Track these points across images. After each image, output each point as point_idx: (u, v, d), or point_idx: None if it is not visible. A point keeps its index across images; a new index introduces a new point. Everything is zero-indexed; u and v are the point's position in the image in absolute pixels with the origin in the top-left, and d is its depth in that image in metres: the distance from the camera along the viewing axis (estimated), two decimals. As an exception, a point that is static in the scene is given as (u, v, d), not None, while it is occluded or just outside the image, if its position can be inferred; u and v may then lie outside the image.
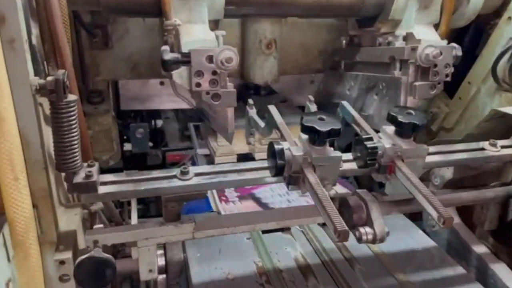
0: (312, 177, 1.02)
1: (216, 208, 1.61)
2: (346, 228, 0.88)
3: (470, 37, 1.89)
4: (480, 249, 1.36)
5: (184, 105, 2.02)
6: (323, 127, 1.04)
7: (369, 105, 1.55)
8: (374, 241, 1.00)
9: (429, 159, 1.26)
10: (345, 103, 1.26)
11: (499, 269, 1.27)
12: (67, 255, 0.99)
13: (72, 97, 0.94)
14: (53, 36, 0.98)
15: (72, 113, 0.95)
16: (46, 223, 0.99)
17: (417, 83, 1.32)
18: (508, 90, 1.53)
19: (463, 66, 1.73)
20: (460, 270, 1.31)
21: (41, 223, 0.98)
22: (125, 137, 2.20)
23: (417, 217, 1.65)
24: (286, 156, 1.04)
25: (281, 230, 1.49)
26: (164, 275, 1.27)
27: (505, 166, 1.43)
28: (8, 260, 0.97)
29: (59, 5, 1.00)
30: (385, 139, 1.11)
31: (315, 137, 1.05)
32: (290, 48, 1.90)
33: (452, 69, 1.34)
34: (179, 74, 1.16)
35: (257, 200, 1.67)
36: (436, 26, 1.47)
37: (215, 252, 1.36)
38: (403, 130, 1.10)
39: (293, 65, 1.96)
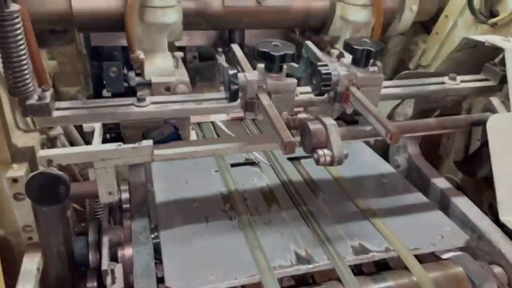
0: (266, 100, 1.02)
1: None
2: (293, 139, 0.88)
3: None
4: (440, 181, 1.37)
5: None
6: (277, 52, 1.03)
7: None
8: (332, 163, 1.00)
9: (389, 91, 1.27)
10: (309, 42, 1.23)
11: (459, 201, 1.29)
12: (20, 173, 0.98)
13: (15, 6, 0.89)
14: None
15: (17, 26, 0.91)
16: (-1, 143, 0.97)
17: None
18: (484, 22, 1.50)
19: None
20: (422, 198, 1.32)
21: (-7, 142, 0.97)
22: (104, 82, 2.15)
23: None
24: (240, 82, 1.04)
25: (250, 164, 1.50)
26: (128, 205, 1.27)
27: (474, 101, 1.42)
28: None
29: None
30: (340, 68, 1.10)
31: (270, 63, 1.04)
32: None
33: None
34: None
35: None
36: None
37: (182, 182, 1.36)
38: (358, 58, 1.10)
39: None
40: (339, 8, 1.67)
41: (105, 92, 2.21)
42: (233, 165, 1.47)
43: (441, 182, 1.38)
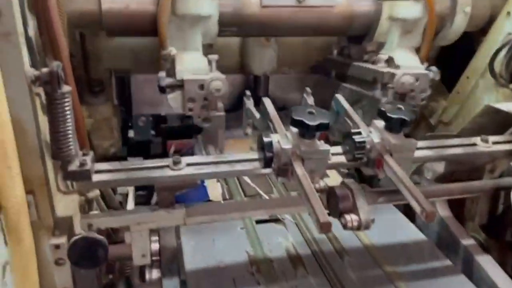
0: (299, 169, 1.05)
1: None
2: (329, 219, 0.91)
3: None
4: (468, 242, 1.38)
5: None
6: (312, 121, 1.06)
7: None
8: (359, 227, 1.02)
9: (420, 153, 1.29)
10: (339, 96, 1.28)
11: (484, 261, 1.29)
12: (62, 239, 1.03)
13: (66, 88, 0.97)
14: (49, 28, 1.01)
15: (66, 104, 0.98)
16: (43, 209, 1.03)
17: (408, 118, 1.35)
18: (505, 86, 1.53)
19: (463, 60, 1.74)
20: (447, 262, 1.33)
21: (38, 209, 1.02)
22: (129, 124, 2.24)
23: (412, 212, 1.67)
24: (275, 149, 1.07)
25: (275, 220, 1.53)
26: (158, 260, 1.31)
27: (498, 161, 1.44)
28: (6, 244, 1.03)
29: (55, -1, 1.03)
30: (374, 134, 1.13)
31: (304, 130, 1.08)
32: (289, 41, 1.90)
33: (428, 93, 1.46)
34: (174, 99, 1.29)
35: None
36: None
37: (209, 240, 1.40)
38: (392, 125, 1.13)
39: (291, 59, 1.96)
40: (386, 6, 1.51)
41: (131, 133, 2.31)
42: (258, 222, 1.50)
43: (469, 244, 1.38)
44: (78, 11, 1.35)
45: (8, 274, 0.98)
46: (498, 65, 1.53)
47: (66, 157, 1.04)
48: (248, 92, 1.59)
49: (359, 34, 1.60)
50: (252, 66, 1.85)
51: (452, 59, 1.78)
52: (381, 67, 1.49)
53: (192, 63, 1.34)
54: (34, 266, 0.89)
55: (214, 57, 1.33)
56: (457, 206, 1.53)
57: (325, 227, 0.90)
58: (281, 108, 2.11)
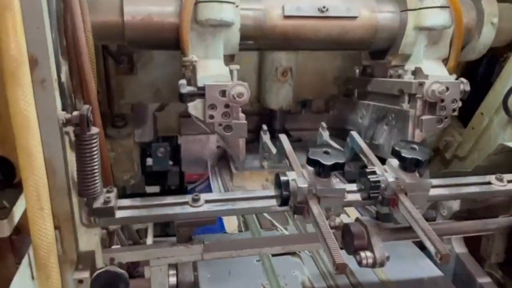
0: (315, 208, 1.07)
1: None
2: (344, 261, 0.93)
3: (485, 66, 1.91)
4: (484, 280, 1.37)
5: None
6: (327, 161, 1.09)
7: (380, 135, 1.59)
8: (374, 265, 1.04)
9: (435, 192, 1.30)
10: (354, 133, 1.31)
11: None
12: (85, 274, 1.07)
13: (94, 130, 1.03)
14: (80, 73, 1.08)
15: (94, 144, 1.04)
16: (68, 244, 1.07)
17: (424, 117, 1.36)
18: (521, 125, 1.55)
19: (478, 95, 1.76)
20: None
21: (63, 244, 1.07)
22: (148, 152, 2.31)
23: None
24: (291, 188, 1.10)
25: (291, 253, 1.54)
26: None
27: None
28: (32, 278, 1.07)
29: (86, 42, 1.10)
30: (389, 173, 1.15)
31: (320, 169, 1.11)
32: (305, 74, 1.96)
33: (459, 104, 1.38)
34: (194, 106, 1.24)
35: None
36: (446, 60, 1.51)
37: (225, 273, 1.42)
38: (406, 165, 1.15)
39: (308, 91, 2.02)
40: (411, 16, 1.45)
41: (149, 161, 2.37)
42: (274, 255, 1.52)
43: (485, 282, 1.38)
44: (101, 22, 1.31)
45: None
46: (512, 102, 1.55)
47: (91, 194, 1.09)
48: (264, 127, 1.60)
49: (382, 48, 1.57)
50: (268, 100, 1.91)
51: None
52: (408, 78, 1.46)
53: (213, 70, 1.30)
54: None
55: (236, 66, 1.28)
56: (473, 243, 1.53)
57: (341, 268, 0.92)
58: (297, 140, 2.15)
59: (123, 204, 1.19)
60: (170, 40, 1.35)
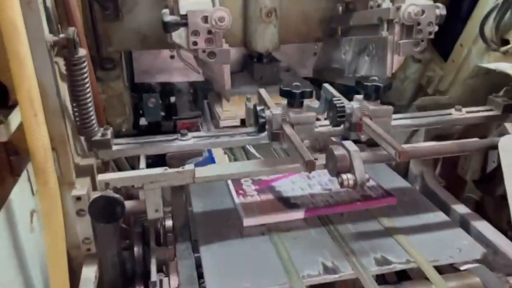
0: (288, 129, 1.16)
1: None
2: (313, 159, 1.01)
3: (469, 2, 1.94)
4: (457, 205, 1.45)
5: (192, 78, 2.18)
6: (297, 90, 1.18)
7: (361, 67, 1.65)
8: (354, 186, 1.11)
9: (400, 122, 1.43)
10: (326, 85, 1.38)
11: (476, 221, 1.37)
12: (83, 192, 1.14)
13: (82, 51, 1.07)
14: (65, 2, 1.11)
15: (83, 67, 1.09)
16: (65, 166, 1.14)
17: (401, 41, 1.41)
18: (496, 50, 1.60)
19: (459, 30, 1.81)
20: (441, 215, 1.41)
21: (60, 166, 1.13)
22: (140, 111, 2.35)
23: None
24: (267, 116, 1.18)
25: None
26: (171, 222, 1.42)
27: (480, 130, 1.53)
28: (32, 193, 1.14)
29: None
30: (355, 102, 1.25)
31: (291, 99, 1.19)
32: (290, 16, 1.98)
33: (436, 28, 1.42)
34: (179, 35, 1.28)
35: (277, 193, 1.51)
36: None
37: (217, 202, 1.49)
38: (368, 93, 1.23)
39: (293, 34, 2.04)
40: None
41: (142, 121, 2.42)
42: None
43: (457, 205, 1.46)
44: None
45: (35, 220, 1.09)
46: (488, 30, 1.60)
47: (89, 132, 1.15)
48: (248, 96, 1.58)
49: None
50: (254, 43, 1.94)
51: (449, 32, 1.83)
52: (387, 5, 1.49)
53: None
54: (59, 209, 0.99)
55: None
56: (450, 167, 1.61)
57: (310, 165, 1.01)
58: (287, 70, 2.22)
59: (118, 141, 1.26)
60: None
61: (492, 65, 1.42)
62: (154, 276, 1.18)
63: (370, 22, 1.57)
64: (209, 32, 1.26)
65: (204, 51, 1.28)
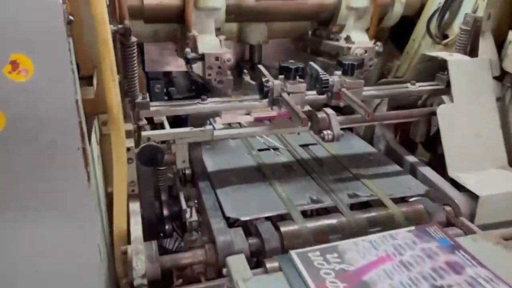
0: (286, 95, 1.56)
1: None
2: (305, 116, 1.42)
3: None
4: (409, 157, 1.90)
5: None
6: (292, 66, 1.59)
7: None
8: (333, 139, 1.53)
9: (369, 93, 1.85)
10: (312, 63, 1.78)
11: (423, 165, 1.82)
12: (132, 144, 1.52)
13: (133, 38, 1.45)
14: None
15: (134, 50, 1.47)
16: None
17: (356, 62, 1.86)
18: (439, 43, 2.06)
19: (412, 29, 2.27)
20: (397, 167, 1.86)
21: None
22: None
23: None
24: (270, 85, 1.58)
25: (273, 149, 2.04)
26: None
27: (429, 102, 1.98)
28: (97, 142, 1.50)
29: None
30: (335, 77, 1.65)
31: (288, 73, 1.59)
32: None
33: (375, 61, 1.99)
34: (197, 67, 1.75)
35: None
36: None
37: (225, 160, 1.89)
38: (345, 69, 1.65)
39: (279, 31, 2.45)
40: (344, 0, 2.05)
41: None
42: (260, 150, 2.01)
43: (410, 158, 1.91)
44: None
45: (97, 164, 1.45)
46: (433, 27, 2.06)
47: (134, 95, 1.53)
48: (245, 71, 2.11)
49: (326, 19, 2.17)
50: (247, 37, 2.35)
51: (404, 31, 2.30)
52: (342, 43, 2.01)
53: (209, 42, 1.83)
54: (125, 148, 1.35)
55: (222, 37, 1.84)
56: (406, 135, 2.07)
57: (304, 121, 1.42)
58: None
59: (153, 104, 1.64)
60: (174, 18, 1.90)
61: (434, 53, 1.88)
62: (184, 205, 1.57)
63: (331, 51, 2.08)
64: (219, 67, 1.72)
65: (215, 80, 1.75)
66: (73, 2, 1.22)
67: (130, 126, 1.64)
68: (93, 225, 1.22)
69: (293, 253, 1.30)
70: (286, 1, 2.04)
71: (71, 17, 1.05)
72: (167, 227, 1.68)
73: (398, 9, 2.15)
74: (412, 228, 1.41)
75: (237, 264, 1.28)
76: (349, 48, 1.96)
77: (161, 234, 1.74)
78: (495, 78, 1.81)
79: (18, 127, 1.05)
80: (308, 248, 1.32)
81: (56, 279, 1.23)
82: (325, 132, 1.53)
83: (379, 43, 2.00)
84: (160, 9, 1.89)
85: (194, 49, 1.79)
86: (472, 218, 1.58)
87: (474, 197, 1.59)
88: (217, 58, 1.73)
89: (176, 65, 2.55)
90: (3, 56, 0.98)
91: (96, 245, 1.23)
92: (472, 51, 1.85)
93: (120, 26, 1.40)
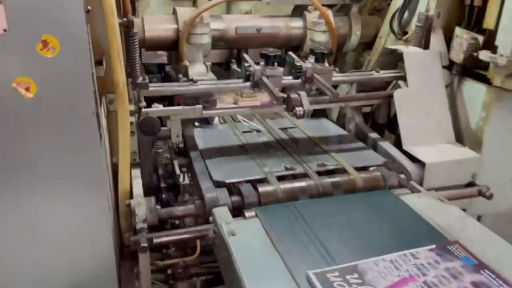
0: (265, 79, 1.86)
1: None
2: (281, 95, 1.71)
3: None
4: (373, 135, 2.20)
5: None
6: (271, 53, 1.88)
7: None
8: (303, 115, 1.82)
9: (339, 78, 2.14)
10: (290, 53, 2.08)
11: (384, 141, 2.12)
12: (133, 119, 1.80)
13: (135, 29, 1.75)
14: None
15: (136, 38, 1.77)
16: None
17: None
18: (400, 39, 2.37)
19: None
20: (361, 144, 2.16)
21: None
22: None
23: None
24: (251, 70, 1.87)
25: (256, 131, 2.33)
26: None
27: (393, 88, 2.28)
28: (104, 116, 1.78)
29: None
30: (308, 63, 1.95)
31: (268, 60, 1.89)
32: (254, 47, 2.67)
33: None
34: None
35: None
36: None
37: (213, 140, 2.18)
38: (316, 56, 1.95)
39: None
40: (308, 34, 2.45)
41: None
42: (244, 132, 2.30)
43: (373, 135, 2.20)
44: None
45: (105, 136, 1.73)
46: (395, 25, 2.37)
47: (135, 76, 1.82)
48: (233, 60, 2.32)
49: (296, 47, 2.54)
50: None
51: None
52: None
53: (198, 70, 2.24)
54: (128, 121, 1.64)
55: (208, 63, 2.30)
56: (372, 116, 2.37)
57: (279, 100, 1.71)
58: None
59: (152, 85, 1.92)
60: (170, 47, 2.34)
61: (393, 47, 2.19)
62: (177, 171, 1.85)
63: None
64: None
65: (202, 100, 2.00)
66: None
67: (132, 107, 1.92)
68: (103, 177, 1.50)
69: (311, 274, 1.23)
70: (261, 34, 2.45)
71: (88, 7, 1.34)
72: (163, 195, 1.95)
73: (354, 40, 2.58)
74: (433, 246, 1.35)
75: (221, 213, 1.57)
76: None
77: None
78: (444, 67, 2.12)
79: (46, 94, 1.34)
80: (326, 269, 1.26)
81: (73, 225, 1.51)
82: (297, 108, 1.82)
83: (336, 69, 2.22)
84: (158, 40, 2.28)
85: (186, 75, 2.20)
86: (421, 182, 1.87)
87: (422, 165, 1.88)
88: None
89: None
90: (37, 36, 1.27)
91: (106, 194, 1.51)
92: (426, 45, 2.16)
93: (124, 19, 1.70)
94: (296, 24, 2.51)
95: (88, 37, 1.33)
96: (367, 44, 2.68)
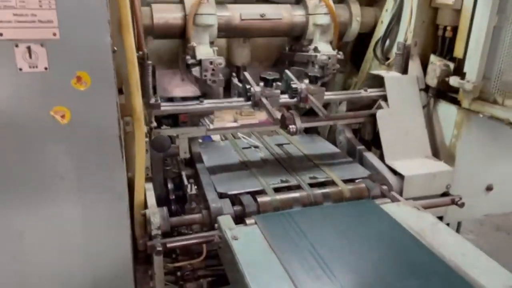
0: (264, 100, 2.11)
1: None
2: (278, 117, 1.97)
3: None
4: (361, 148, 2.45)
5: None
6: (269, 77, 2.14)
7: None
8: (296, 132, 2.07)
9: (330, 97, 2.39)
10: (287, 71, 2.34)
11: (369, 156, 2.37)
12: (147, 139, 2.05)
13: (149, 62, 2.00)
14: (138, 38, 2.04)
15: (149, 70, 2.02)
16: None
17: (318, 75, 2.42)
18: (384, 64, 2.64)
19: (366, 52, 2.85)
20: (349, 159, 2.41)
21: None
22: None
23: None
24: (252, 91, 2.13)
25: (254, 147, 2.58)
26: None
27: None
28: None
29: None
30: (303, 85, 2.20)
31: (266, 82, 2.15)
32: (258, 43, 2.97)
33: (337, 66, 2.53)
34: (196, 70, 2.29)
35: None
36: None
37: (216, 156, 2.42)
38: (310, 79, 2.21)
39: (259, 54, 3.03)
40: (310, 19, 2.57)
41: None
42: (244, 148, 2.55)
43: (361, 149, 2.45)
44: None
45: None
46: (378, 51, 2.64)
47: (148, 96, 2.07)
48: (234, 74, 2.60)
49: (298, 35, 2.70)
50: (233, 59, 2.91)
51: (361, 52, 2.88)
52: (311, 53, 2.56)
53: (205, 51, 2.34)
54: (144, 142, 1.88)
55: (215, 48, 2.39)
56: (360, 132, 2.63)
57: (276, 121, 1.97)
58: None
59: (164, 104, 2.17)
60: (177, 34, 2.44)
61: (376, 72, 2.46)
62: (185, 181, 2.10)
63: (303, 61, 2.65)
64: (213, 69, 2.27)
65: (209, 80, 2.29)
66: (113, 39, 1.76)
67: (145, 128, 2.17)
68: (124, 190, 1.74)
69: None
70: (264, 20, 2.59)
71: (115, 48, 1.59)
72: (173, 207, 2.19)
73: (355, 26, 2.72)
74: None
75: (225, 220, 1.81)
76: (316, 56, 2.52)
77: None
78: (421, 90, 2.39)
79: (78, 120, 1.58)
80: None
81: (96, 231, 1.75)
82: (290, 126, 2.07)
83: (340, 52, 2.55)
84: (166, 27, 2.40)
85: (193, 56, 2.34)
86: (401, 193, 2.12)
87: (402, 177, 2.13)
88: (211, 63, 2.27)
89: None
90: (72, 73, 1.53)
91: (126, 204, 1.75)
92: (405, 70, 2.43)
93: (140, 53, 1.95)
94: (298, 12, 2.63)
95: (114, 74, 1.58)
96: (364, 48, 2.86)
